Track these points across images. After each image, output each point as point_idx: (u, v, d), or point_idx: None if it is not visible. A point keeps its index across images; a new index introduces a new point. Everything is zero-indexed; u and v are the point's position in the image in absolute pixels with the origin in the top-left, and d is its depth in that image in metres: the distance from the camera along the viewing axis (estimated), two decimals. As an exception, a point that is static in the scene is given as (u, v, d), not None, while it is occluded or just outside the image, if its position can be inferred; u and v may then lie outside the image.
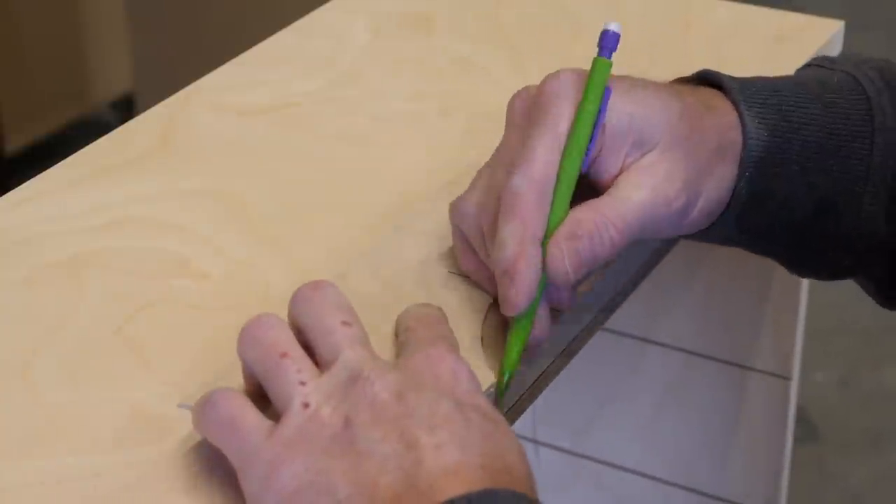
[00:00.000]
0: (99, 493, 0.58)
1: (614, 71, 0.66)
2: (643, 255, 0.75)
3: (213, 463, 0.58)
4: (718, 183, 0.69)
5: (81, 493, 0.58)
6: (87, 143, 0.82)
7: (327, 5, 0.98)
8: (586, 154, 0.65)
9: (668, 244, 0.78)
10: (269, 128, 0.84)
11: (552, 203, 0.64)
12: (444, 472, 0.53)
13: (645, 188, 0.66)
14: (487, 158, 0.70)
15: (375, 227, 0.74)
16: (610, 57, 0.66)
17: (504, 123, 0.68)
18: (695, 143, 0.67)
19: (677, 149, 0.67)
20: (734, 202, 0.69)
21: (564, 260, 0.63)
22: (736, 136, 0.69)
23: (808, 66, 0.78)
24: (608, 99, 0.66)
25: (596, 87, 0.65)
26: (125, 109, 2.68)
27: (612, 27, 0.66)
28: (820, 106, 0.71)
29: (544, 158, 0.64)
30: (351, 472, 0.53)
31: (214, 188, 0.78)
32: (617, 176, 0.66)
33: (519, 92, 0.68)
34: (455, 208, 0.68)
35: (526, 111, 0.67)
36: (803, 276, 0.77)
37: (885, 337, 2.25)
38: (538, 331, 0.64)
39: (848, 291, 2.29)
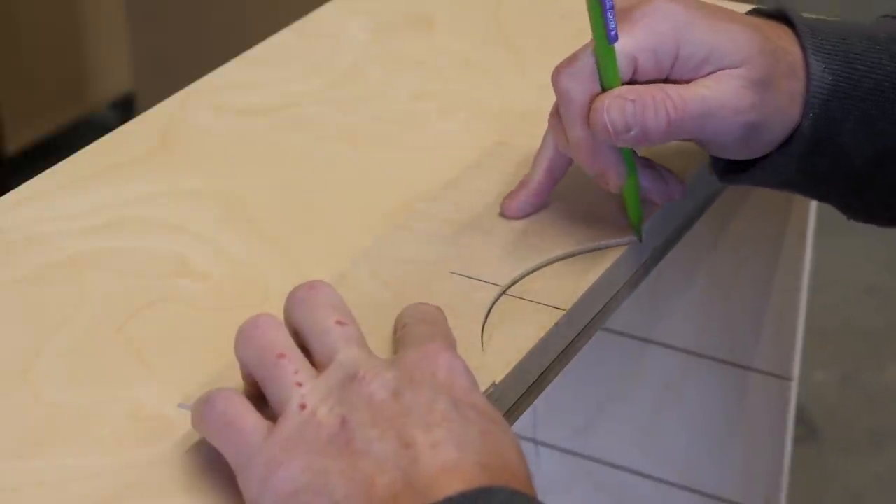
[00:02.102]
0: (99, 493, 0.58)
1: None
2: (643, 254, 0.75)
3: (212, 463, 0.58)
4: (787, 120, 0.71)
5: (81, 493, 0.58)
6: (87, 143, 0.82)
7: (327, 5, 0.98)
8: (609, 30, 0.67)
9: (674, 238, 0.78)
10: (269, 128, 0.84)
11: (600, 77, 0.68)
12: (442, 470, 0.53)
13: (716, 90, 0.68)
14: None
15: (375, 227, 0.74)
16: None
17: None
18: (772, 76, 0.69)
19: (755, 74, 0.69)
20: (796, 143, 0.71)
21: (604, 112, 0.67)
22: (802, 76, 0.71)
23: (886, 16, 0.79)
24: None
25: None
26: (125, 109, 2.68)
27: None
28: (887, 56, 0.72)
29: (590, 58, 0.68)
30: (348, 472, 0.54)
31: (214, 188, 0.78)
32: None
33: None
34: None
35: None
36: (859, 221, 0.78)
37: (885, 336, 2.25)
38: (653, 188, 0.72)
39: (849, 291, 2.28)
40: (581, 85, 0.68)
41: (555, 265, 0.71)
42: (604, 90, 0.68)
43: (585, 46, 0.69)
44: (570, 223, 0.73)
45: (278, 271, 0.71)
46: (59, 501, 0.58)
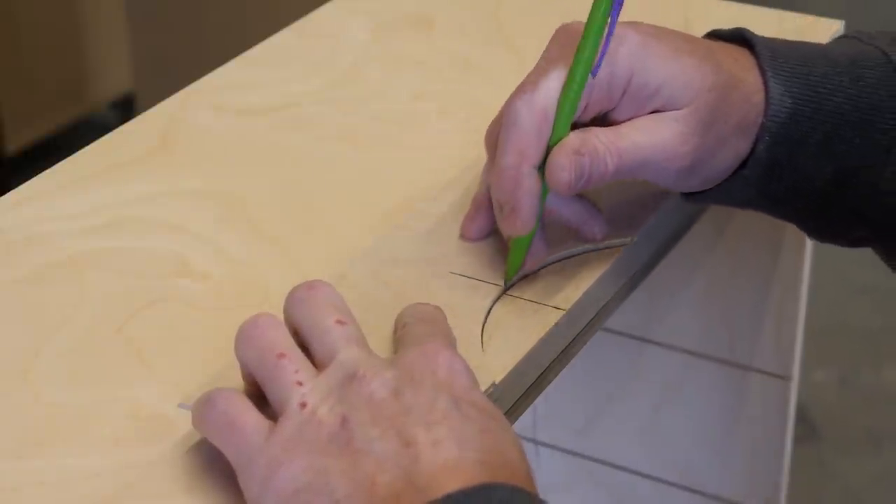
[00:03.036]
0: (99, 493, 0.58)
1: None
2: (643, 255, 0.75)
3: (212, 463, 0.58)
4: (731, 155, 0.70)
5: (81, 493, 0.58)
6: (87, 143, 0.82)
7: (327, 5, 0.98)
8: (594, 68, 0.66)
9: (674, 238, 0.78)
10: (269, 128, 0.84)
11: (555, 119, 0.66)
12: (443, 468, 0.53)
13: (651, 137, 0.67)
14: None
15: (375, 227, 0.74)
16: None
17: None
18: (718, 115, 0.68)
19: (699, 116, 0.68)
20: (752, 168, 0.70)
21: (569, 171, 0.65)
22: (759, 101, 0.70)
23: (844, 37, 0.78)
24: (618, 9, 0.66)
25: (604, 1, 0.66)
26: (125, 109, 2.68)
27: None
28: (848, 79, 0.72)
29: (551, 88, 0.66)
30: (349, 471, 0.54)
31: (214, 188, 0.78)
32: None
33: (565, 25, 0.70)
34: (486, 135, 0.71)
35: (563, 46, 0.68)
36: (824, 242, 0.78)
37: (885, 336, 2.25)
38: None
39: (848, 291, 2.28)
40: (533, 115, 0.66)
41: (555, 265, 0.71)
42: (556, 121, 0.66)
43: (546, 72, 0.67)
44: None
45: (278, 271, 0.71)
46: (59, 501, 0.58)
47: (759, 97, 0.70)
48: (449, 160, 0.79)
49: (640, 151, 0.67)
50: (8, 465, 0.59)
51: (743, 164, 0.71)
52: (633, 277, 0.74)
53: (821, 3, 1.94)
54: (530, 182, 0.66)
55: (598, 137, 0.67)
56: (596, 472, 1.07)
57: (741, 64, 0.71)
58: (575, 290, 0.69)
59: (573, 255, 0.71)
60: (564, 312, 0.67)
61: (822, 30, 0.92)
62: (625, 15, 1.00)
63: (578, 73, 0.66)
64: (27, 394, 0.63)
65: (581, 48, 0.66)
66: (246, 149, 0.82)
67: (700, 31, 0.95)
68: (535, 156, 0.66)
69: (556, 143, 0.66)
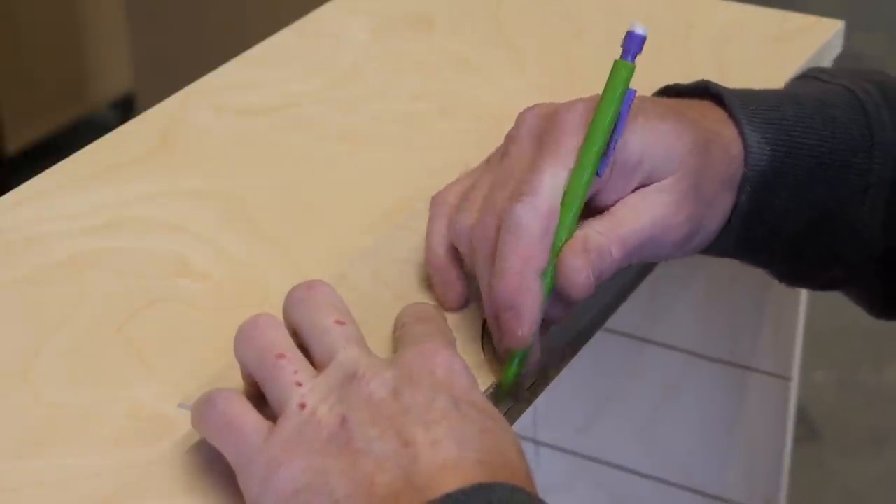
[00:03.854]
0: (99, 493, 0.58)
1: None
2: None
3: (212, 463, 0.58)
4: (721, 212, 0.69)
5: (81, 493, 0.58)
6: (87, 143, 0.82)
7: (327, 5, 0.98)
8: (601, 167, 0.63)
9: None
10: (269, 128, 0.84)
11: (560, 219, 0.63)
12: (441, 467, 0.53)
13: (645, 214, 0.66)
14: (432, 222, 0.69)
15: (375, 227, 0.74)
16: (633, 60, 0.63)
17: (505, 128, 0.67)
18: (703, 176, 0.67)
19: (685, 182, 0.66)
20: (735, 219, 0.70)
21: (585, 272, 0.63)
22: (738, 152, 0.69)
23: (803, 76, 0.78)
24: (629, 104, 0.64)
25: (614, 91, 0.63)
26: (125, 109, 2.68)
27: (638, 29, 0.63)
28: (820, 121, 0.71)
29: (551, 190, 0.63)
30: (348, 471, 0.54)
31: (214, 188, 0.78)
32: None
33: (531, 108, 0.67)
34: (459, 222, 0.66)
35: (537, 132, 0.65)
36: (797, 287, 0.77)
37: (885, 337, 2.25)
38: (534, 355, 0.64)
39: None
40: (539, 220, 0.62)
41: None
42: (562, 223, 0.63)
43: (540, 170, 0.63)
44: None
45: (278, 271, 0.71)
46: (59, 501, 0.58)
47: (737, 149, 0.69)
48: (449, 160, 0.79)
49: (640, 233, 0.65)
50: (8, 465, 0.59)
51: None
52: (634, 277, 0.74)
53: (821, 3, 1.94)
54: (536, 289, 0.62)
55: (596, 229, 0.64)
56: (596, 471, 1.07)
57: (713, 118, 0.69)
58: (575, 290, 0.69)
59: None
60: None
61: (822, 30, 0.92)
62: (627, 16, 1.00)
63: (584, 175, 0.63)
64: (27, 394, 0.63)
65: (587, 149, 0.63)
66: (246, 149, 0.82)
67: (701, 31, 0.95)
68: (540, 261, 0.62)
69: (561, 245, 0.63)
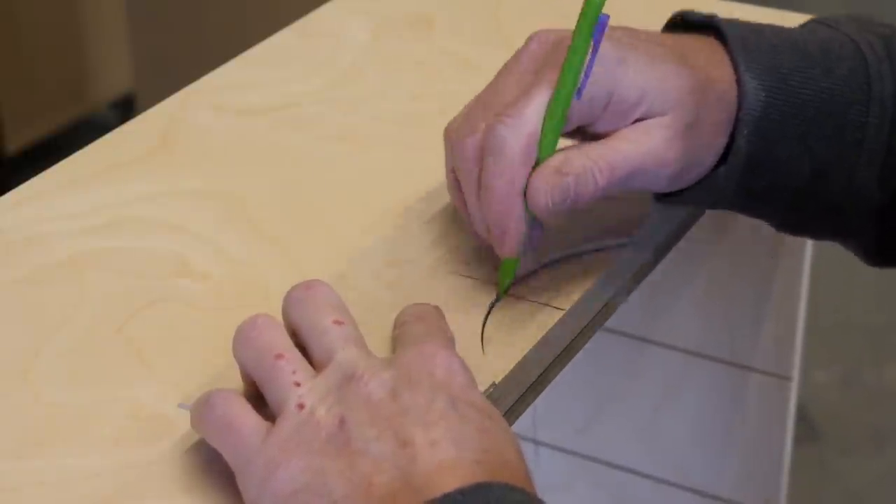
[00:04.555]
0: (99, 493, 0.58)
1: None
2: (643, 254, 0.75)
3: (212, 463, 0.58)
4: (713, 153, 0.70)
5: (81, 493, 0.58)
6: (87, 143, 0.82)
7: (327, 5, 0.98)
8: (578, 90, 0.65)
9: (674, 238, 0.78)
10: (269, 128, 0.84)
11: (540, 143, 0.65)
12: (439, 468, 0.53)
13: (640, 145, 0.67)
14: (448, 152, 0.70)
15: (375, 227, 0.74)
16: None
17: None
18: (699, 116, 0.68)
19: (682, 121, 0.68)
20: (733, 163, 0.70)
21: (547, 194, 0.65)
22: (733, 97, 0.70)
23: (811, 22, 0.78)
24: (603, 28, 0.65)
25: (587, 21, 0.65)
26: (125, 109, 2.68)
27: None
28: (819, 71, 0.71)
29: (536, 115, 0.65)
30: (347, 472, 0.54)
31: (214, 188, 0.78)
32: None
33: (538, 34, 0.69)
34: (453, 144, 0.68)
35: (539, 58, 0.68)
36: (791, 234, 0.78)
37: (886, 335, 2.25)
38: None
39: (849, 290, 2.28)
40: (519, 142, 0.65)
41: (555, 265, 0.71)
42: (541, 145, 0.65)
43: (529, 95, 0.65)
44: (570, 223, 0.73)
45: (278, 271, 0.71)
46: (59, 501, 0.58)
47: (733, 93, 0.70)
48: (449, 160, 0.79)
49: (631, 162, 0.66)
50: (8, 465, 0.59)
51: (722, 159, 0.71)
52: (634, 277, 0.74)
53: (819, 3, 1.94)
54: (519, 210, 0.65)
55: (588, 155, 0.66)
56: (596, 472, 1.07)
57: (714, 60, 0.70)
58: (575, 290, 0.69)
59: (573, 255, 0.71)
60: (564, 312, 0.67)
61: (822, 30, 0.92)
62: (627, 14, 1.00)
63: (562, 96, 0.65)
64: (27, 394, 0.63)
65: (565, 70, 0.65)
66: (246, 149, 0.82)
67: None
68: (522, 182, 0.65)
69: (542, 160, 0.65)
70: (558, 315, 0.67)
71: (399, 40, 0.94)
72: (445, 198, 0.75)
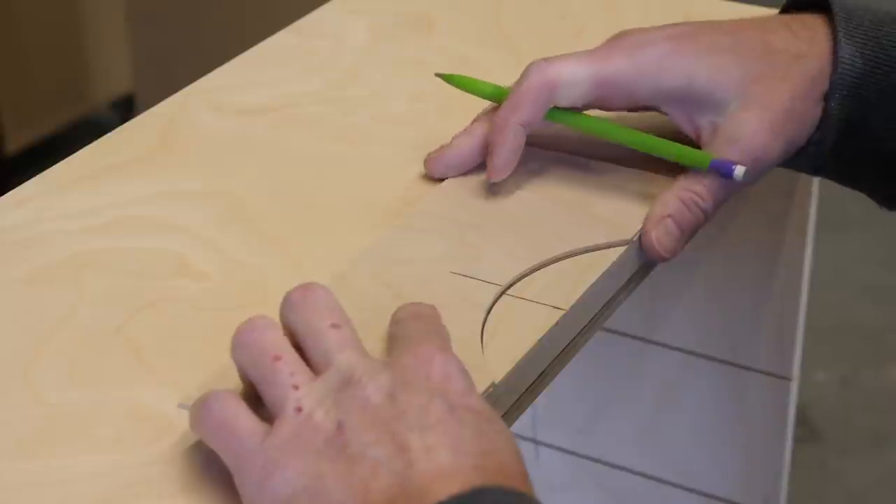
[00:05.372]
0: (99, 493, 0.58)
1: None
2: (643, 254, 0.74)
3: (212, 463, 0.58)
4: (812, 124, 0.73)
5: (81, 493, 0.58)
6: (87, 143, 0.82)
7: (327, 5, 0.98)
8: None
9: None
10: (269, 128, 0.84)
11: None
12: (437, 474, 0.53)
13: (738, 151, 0.71)
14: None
15: (375, 227, 0.74)
16: None
17: None
18: (778, 95, 0.71)
19: (756, 107, 0.71)
20: (826, 128, 0.72)
21: (654, 242, 0.72)
22: (825, 66, 0.72)
23: None
24: None
25: None
26: (125, 109, 2.68)
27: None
28: None
29: (569, 68, 0.72)
30: (344, 476, 0.53)
31: (214, 188, 0.78)
32: (697, 130, 0.73)
33: (628, 32, 0.75)
34: None
35: (609, 44, 0.74)
36: (891, 209, 0.79)
37: (886, 336, 2.25)
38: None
39: (849, 290, 2.28)
40: (539, 80, 0.73)
41: (555, 265, 0.70)
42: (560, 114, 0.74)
43: (576, 56, 0.73)
44: (570, 223, 0.73)
45: (278, 271, 0.71)
46: (59, 501, 0.58)
47: (826, 65, 0.72)
48: (449, 160, 0.79)
49: (737, 188, 0.72)
50: (8, 465, 0.59)
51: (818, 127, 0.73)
52: (634, 277, 0.74)
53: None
54: (514, 138, 0.73)
55: (679, 190, 0.72)
56: (596, 472, 1.07)
57: (808, 37, 0.73)
58: (575, 290, 0.69)
59: (573, 255, 0.71)
60: (564, 312, 0.67)
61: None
62: (626, 14, 1.00)
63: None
64: (27, 394, 0.63)
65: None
66: (246, 149, 0.82)
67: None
68: (526, 115, 0.73)
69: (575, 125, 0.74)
70: (558, 315, 0.67)
71: (399, 40, 0.94)
72: (446, 198, 0.75)
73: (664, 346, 1.01)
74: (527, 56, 0.89)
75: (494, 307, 0.67)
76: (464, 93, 0.80)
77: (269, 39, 0.94)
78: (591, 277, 0.70)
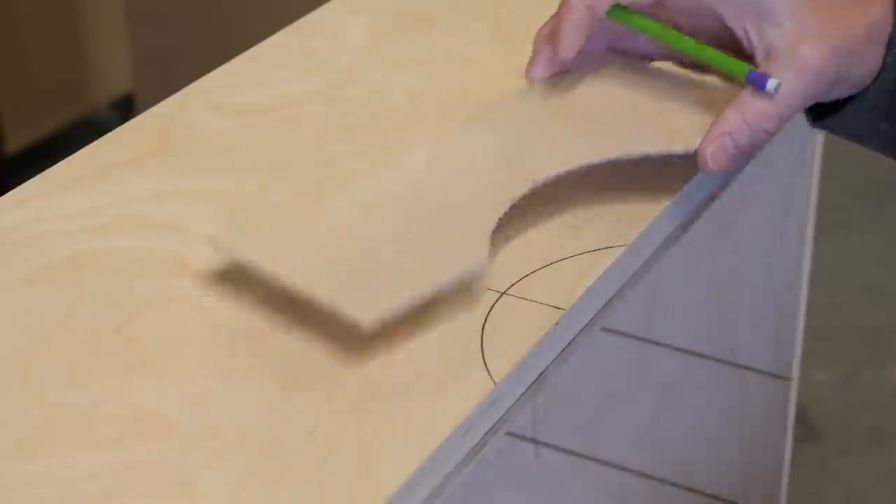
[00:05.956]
0: (99, 493, 0.58)
1: None
2: (644, 254, 0.75)
3: (212, 462, 0.58)
4: (868, 64, 0.72)
5: (81, 493, 0.58)
6: (87, 143, 0.82)
7: (327, 5, 0.98)
8: None
9: (674, 238, 0.78)
10: (269, 128, 0.84)
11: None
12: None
13: (786, 83, 0.71)
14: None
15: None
16: None
17: None
18: (834, 31, 0.71)
19: (810, 36, 0.71)
20: (882, 78, 0.72)
21: (708, 158, 0.72)
22: (886, 15, 0.72)
23: None
24: None
25: None
26: (125, 109, 2.68)
27: None
28: None
29: None
30: None
31: (214, 188, 0.78)
32: (751, 45, 0.73)
33: None
34: None
35: None
36: None
37: (886, 336, 2.25)
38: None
39: (849, 290, 2.28)
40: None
41: (555, 265, 0.71)
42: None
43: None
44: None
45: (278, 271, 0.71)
46: (59, 501, 0.58)
47: (885, 12, 0.72)
48: (449, 160, 0.79)
49: (789, 103, 0.71)
50: (8, 465, 0.59)
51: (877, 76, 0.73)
52: (634, 277, 0.74)
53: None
54: (580, 14, 0.76)
55: (738, 112, 0.72)
56: (596, 471, 1.07)
57: None
58: (575, 290, 0.69)
59: (573, 255, 0.71)
60: (564, 312, 0.67)
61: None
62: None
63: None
64: (27, 394, 0.63)
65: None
66: (246, 149, 0.82)
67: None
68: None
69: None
70: (558, 315, 0.67)
71: (398, 40, 0.94)
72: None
73: (664, 345, 1.01)
74: (527, 56, 0.89)
75: (494, 307, 0.67)
76: (465, 92, 0.80)
77: (268, 39, 0.94)
78: (591, 277, 0.70)
